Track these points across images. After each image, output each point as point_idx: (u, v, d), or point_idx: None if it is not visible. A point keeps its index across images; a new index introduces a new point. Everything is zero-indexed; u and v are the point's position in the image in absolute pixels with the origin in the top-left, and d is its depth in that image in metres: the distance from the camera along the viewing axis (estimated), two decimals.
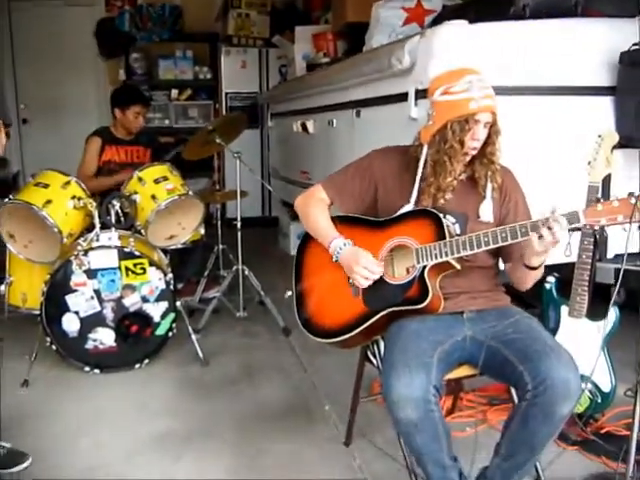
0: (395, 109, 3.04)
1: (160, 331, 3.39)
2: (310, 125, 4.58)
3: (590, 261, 2.48)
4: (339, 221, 2.28)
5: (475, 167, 2.14)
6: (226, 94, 6.88)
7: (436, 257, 2.03)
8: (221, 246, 4.31)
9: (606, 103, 2.80)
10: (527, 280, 2.12)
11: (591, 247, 2.48)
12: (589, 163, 2.37)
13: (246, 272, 3.97)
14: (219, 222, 4.33)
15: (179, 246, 3.72)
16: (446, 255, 2.02)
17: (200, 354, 3.44)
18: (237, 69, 6.86)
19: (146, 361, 3.39)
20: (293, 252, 5.68)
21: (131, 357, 3.37)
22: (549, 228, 1.85)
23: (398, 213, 2.17)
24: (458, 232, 2.13)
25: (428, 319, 2.04)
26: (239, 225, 3.96)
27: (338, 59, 4.70)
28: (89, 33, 7.01)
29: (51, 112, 6.83)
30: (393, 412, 1.84)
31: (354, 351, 2.50)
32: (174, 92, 7.13)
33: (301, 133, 4.82)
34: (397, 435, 2.10)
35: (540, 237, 1.87)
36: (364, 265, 2.09)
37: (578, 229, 2.54)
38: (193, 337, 3.47)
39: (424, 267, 2.05)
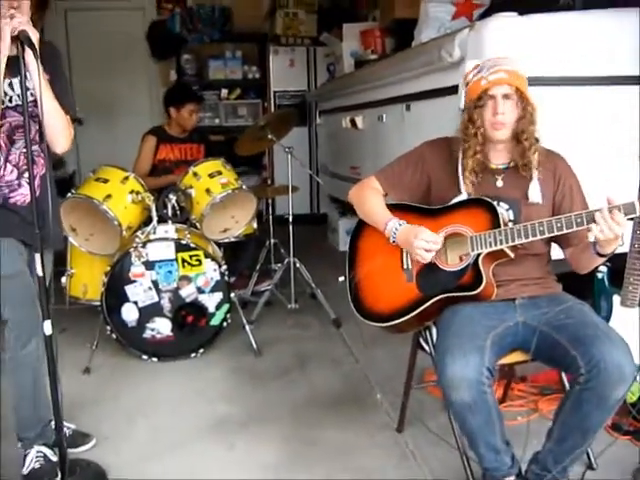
0: (445, 102, 3.07)
1: (215, 321, 3.49)
2: (359, 121, 4.63)
3: None
4: (393, 208, 2.32)
5: (513, 151, 2.17)
6: (274, 93, 6.97)
7: (491, 245, 2.07)
8: (273, 240, 4.39)
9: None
10: (592, 264, 2.14)
11: None
12: None
13: (297, 265, 4.04)
14: (270, 217, 4.40)
15: (232, 239, 3.81)
16: (501, 243, 2.05)
17: (254, 344, 3.53)
18: (285, 68, 6.95)
19: (201, 350, 3.49)
20: (342, 248, 5.80)
21: (187, 346, 3.47)
22: (608, 217, 1.87)
23: (452, 202, 2.22)
24: (512, 218, 2.16)
25: (481, 305, 2.08)
26: (290, 219, 4.03)
27: (386, 55, 4.74)
28: (141, 35, 7.20)
29: (105, 113, 7.01)
30: (447, 393, 1.89)
31: (405, 342, 2.56)
32: (224, 91, 7.26)
33: (350, 129, 4.88)
34: (450, 419, 2.14)
35: (600, 231, 1.88)
36: (423, 237, 2.12)
37: (631, 219, 2.55)
38: (247, 328, 3.56)
39: (478, 255, 2.09)
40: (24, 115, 2.00)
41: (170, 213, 3.51)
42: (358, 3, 6.52)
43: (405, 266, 2.24)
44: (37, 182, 2.20)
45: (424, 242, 2.12)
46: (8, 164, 2.26)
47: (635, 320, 2.52)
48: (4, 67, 2.05)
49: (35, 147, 2.21)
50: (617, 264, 2.65)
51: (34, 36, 1.98)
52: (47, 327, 2.11)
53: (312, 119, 6.80)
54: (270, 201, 4.91)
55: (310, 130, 6.94)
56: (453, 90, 2.96)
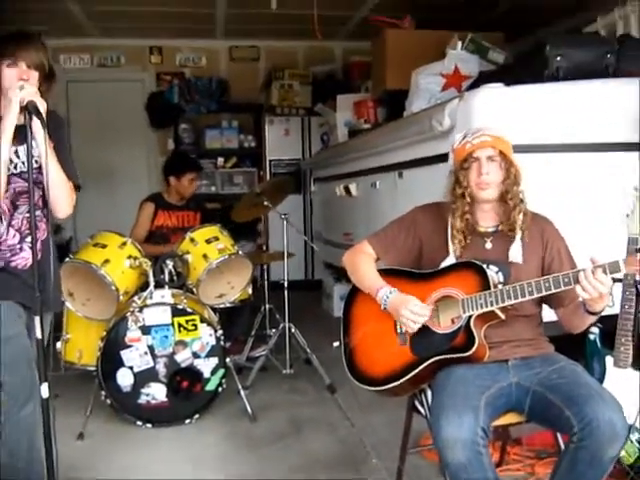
0: (436, 169, 3.17)
1: (210, 386, 3.48)
2: (353, 188, 4.74)
3: (633, 311, 2.52)
4: (385, 274, 2.37)
5: (500, 213, 2.25)
6: (270, 161, 7.13)
7: (481, 307, 2.11)
8: (268, 306, 4.41)
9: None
10: (584, 323, 2.18)
11: (633, 297, 2.53)
12: (627, 215, 2.44)
13: (293, 330, 4.06)
14: (266, 283, 4.45)
15: (227, 305, 3.85)
16: (491, 305, 2.10)
17: (249, 410, 3.52)
18: (280, 137, 7.13)
19: (196, 416, 3.47)
20: (337, 313, 5.81)
21: (182, 412, 3.46)
22: (591, 276, 1.93)
23: (442, 265, 2.27)
24: (502, 280, 2.21)
25: (474, 366, 2.11)
26: (286, 284, 4.07)
27: (379, 125, 4.89)
28: (141, 106, 7.39)
29: (103, 180, 7.10)
30: (443, 454, 1.90)
31: (400, 406, 2.56)
32: (220, 160, 7.40)
33: (344, 196, 4.99)
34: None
35: (584, 290, 1.94)
36: (411, 308, 2.18)
37: (619, 280, 2.61)
38: (242, 393, 3.55)
39: (470, 317, 2.13)
40: (29, 181, 2.07)
41: (167, 278, 3.55)
42: (351, 75, 6.75)
43: (399, 330, 2.27)
44: (39, 246, 2.24)
45: (411, 313, 2.18)
46: (11, 228, 2.31)
47: (628, 380, 2.54)
48: (10, 136, 2.13)
49: (38, 212, 2.27)
50: (608, 325, 2.70)
51: (42, 106, 2.08)
52: (44, 390, 2.13)
53: (307, 187, 6.93)
54: (265, 267, 4.96)
55: (305, 198, 7.06)
56: (444, 157, 3.07)
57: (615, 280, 2.60)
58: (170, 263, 3.57)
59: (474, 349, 2.09)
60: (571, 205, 2.82)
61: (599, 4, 3.98)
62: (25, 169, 2.25)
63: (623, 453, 2.63)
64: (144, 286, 3.61)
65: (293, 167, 7.12)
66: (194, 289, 3.60)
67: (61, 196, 2.26)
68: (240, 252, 3.67)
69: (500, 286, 2.15)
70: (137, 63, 7.48)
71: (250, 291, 3.98)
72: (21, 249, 2.34)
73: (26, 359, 2.29)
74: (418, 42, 4.69)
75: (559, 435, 2.23)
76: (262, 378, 4.07)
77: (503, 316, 2.15)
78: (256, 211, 4.22)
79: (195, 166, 4.65)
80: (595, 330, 2.70)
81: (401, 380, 2.20)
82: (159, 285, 3.52)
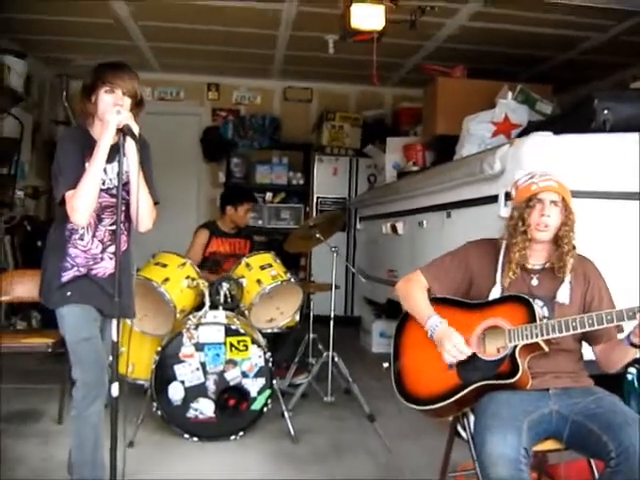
0: (485, 210, 3.33)
1: (256, 406, 3.64)
2: (400, 226, 4.91)
3: None
4: (437, 302, 2.53)
5: (552, 254, 2.40)
6: (317, 198, 7.36)
7: (527, 337, 2.25)
8: (312, 335, 4.56)
9: None
10: (623, 359, 2.29)
11: None
12: None
13: (336, 359, 4.20)
14: (312, 312, 4.60)
15: (275, 330, 4.02)
16: (536, 336, 2.24)
17: (292, 431, 3.65)
18: (328, 176, 7.36)
19: (241, 433, 3.62)
20: (374, 349, 5.92)
21: (227, 429, 3.61)
22: (634, 316, 2.06)
23: (490, 296, 2.42)
24: (546, 315, 2.35)
25: (517, 393, 2.23)
26: (332, 314, 4.23)
27: (427, 168, 5.08)
28: (196, 139, 7.73)
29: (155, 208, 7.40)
30: (485, 470, 2.02)
31: (437, 436, 2.67)
32: (268, 195, 7.65)
33: (390, 234, 5.15)
34: None
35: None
36: (454, 344, 2.33)
37: None
38: (286, 414, 3.69)
39: (515, 346, 2.27)
40: (117, 197, 2.31)
41: (222, 300, 3.73)
42: (400, 120, 6.98)
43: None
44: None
45: (453, 348, 2.33)
46: (95, 239, 2.54)
47: None
48: (105, 155, 2.37)
49: (121, 226, 2.49)
50: None
51: (135, 129, 2.31)
52: (115, 389, 2.32)
53: (352, 225, 7.11)
54: (307, 299, 5.11)
55: (349, 235, 7.23)
56: (493, 199, 3.24)
57: None
58: (226, 285, 3.76)
59: (518, 376, 2.22)
60: (611, 249, 2.94)
61: None
62: (111, 185, 2.49)
63: None
64: (199, 307, 3.80)
65: (339, 205, 7.32)
66: (246, 312, 3.78)
67: (146, 211, 2.49)
68: (292, 279, 3.85)
69: (545, 320, 2.29)
70: (195, 98, 7.83)
71: (297, 318, 4.15)
72: (102, 259, 2.56)
73: (99, 360, 2.50)
74: (468, 90, 4.91)
75: (593, 464, 2.33)
76: (303, 404, 4.21)
77: (547, 348, 2.28)
78: (307, 243, 4.41)
79: (252, 198, 4.95)
80: (633, 370, 2.81)
81: (447, 401, 2.32)
82: (214, 306, 3.71)
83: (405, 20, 5.04)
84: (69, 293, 2.50)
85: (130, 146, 2.34)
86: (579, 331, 2.18)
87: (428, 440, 3.51)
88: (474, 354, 2.35)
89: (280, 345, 4.50)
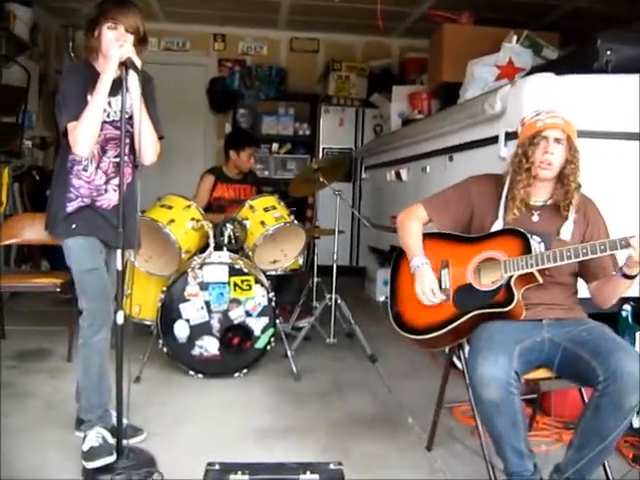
0: (486, 151, 3.35)
1: (259, 344, 3.72)
2: (404, 173, 4.94)
3: None
4: (434, 236, 2.58)
5: (556, 191, 2.42)
6: (323, 149, 7.36)
7: (522, 268, 2.29)
8: (316, 279, 4.62)
9: None
10: (615, 294, 2.34)
11: None
12: None
13: (339, 301, 4.27)
14: (316, 257, 4.66)
15: (279, 272, 4.09)
16: (531, 267, 2.28)
17: (294, 369, 3.74)
18: (335, 126, 7.36)
19: (245, 371, 3.71)
20: (379, 297, 5.99)
21: (232, 366, 3.71)
22: (627, 245, 2.10)
23: (489, 231, 2.46)
24: (543, 250, 2.38)
25: (511, 322, 2.29)
26: (335, 256, 4.29)
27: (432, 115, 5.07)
28: (202, 89, 7.72)
29: (161, 159, 7.42)
30: (476, 391, 2.09)
31: (435, 377, 2.73)
32: (275, 146, 7.67)
33: (394, 181, 5.18)
34: (476, 426, 2.31)
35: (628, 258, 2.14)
36: (425, 287, 2.43)
37: None
38: (289, 353, 3.78)
39: (510, 277, 2.31)
40: (121, 130, 2.35)
41: (226, 241, 3.79)
42: (406, 70, 6.94)
43: (443, 286, 2.47)
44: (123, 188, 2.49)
45: (421, 292, 2.43)
46: (99, 170, 2.59)
47: None
48: (108, 88, 2.40)
49: (125, 159, 2.52)
50: None
51: (138, 63, 2.34)
52: (120, 317, 2.39)
53: (357, 175, 7.13)
54: (312, 245, 5.17)
55: (354, 185, 7.25)
56: (494, 140, 3.25)
57: None
58: (230, 227, 3.81)
59: (513, 305, 2.27)
60: (612, 189, 2.96)
61: None
62: (116, 118, 2.53)
63: None
64: (204, 249, 3.87)
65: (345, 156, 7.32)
66: (250, 253, 3.84)
67: (149, 144, 2.53)
68: (295, 221, 3.90)
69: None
70: (201, 49, 7.79)
71: (301, 261, 4.21)
72: (106, 190, 2.62)
73: (104, 290, 2.57)
74: (475, 37, 4.85)
75: (585, 394, 2.40)
76: (306, 346, 4.30)
77: (541, 280, 2.32)
78: (311, 187, 4.45)
79: (254, 142, 4.95)
80: (627, 307, 2.86)
81: (443, 330, 2.39)
82: (218, 247, 3.77)
83: None
84: (74, 225, 2.55)
85: (133, 79, 2.37)
86: (573, 260, 2.21)
87: (428, 380, 3.59)
88: (470, 285, 2.40)
89: (284, 288, 4.56)
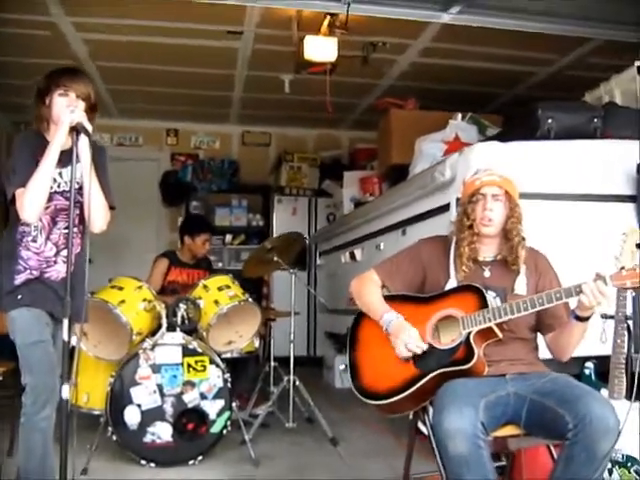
0: (438, 220, 3.39)
1: (215, 429, 3.55)
2: (358, 253, 4.96)
3: (625, 345, 2.67)
4: (390, 299, 2.54)
5: (502, 247, 2.45)
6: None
7: (480, 323, 2.27)
8: (273, 363, 4.49)
9: (629, 209, 3.12)
10: (571, 342, 2.31)
11: (625, 332, 2.69)
12: (616, 257, 2.63)
13: (297, 383, 4.14)
14: (272, 340, 4.56)
15: (235, 355, 3.97)
16: (489, 321, 2.26)
17: (252, 454, 3.56)
18: (288, 216, 7.41)
19: (200, 458, 3.52)
20: (338, 385, 5.84)
21: (186, 453, 3.51)
22: (581, 292, 2.11)
23: (444, 289, 2.45)
24: (499, 305, 2.37)
25: (474, 379, 2.24)
26: (292, 336, 4.20)
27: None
28: (155, 183, 7.73)
29: (113, 253, 7.28)
30: (443, 446, 2.01)
31: (400, 454, 2.62)
32: (228, 237, 7.65)
33: (349, 262, 5.19)
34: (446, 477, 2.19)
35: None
36: (409, 338, 2.35)
37: (612, 317, 2.77)
38: (246, 437, 3.62)
39: (469, 333, 2.28)
40: (70, 193, 2.30)
41: (179, 321, 3.68)
42: (356, 159, 7.11)
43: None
44: (72, 260, 2.41)
45: (408, 342, 2.34)
46: (49, 242, 2.51)
47: (623, 412, 2.64)
48: (58, 153, 2.37)
49: (74, 230, 2.46)
50: (601, 364, 2.85)
51: (89, 128, 2.33)
52: (65, 391, 2.25)
53: (312, 263, 7.13)
54: (269, 329, 5.08)
55: (309, 274, 7.24)
56: (445, 208, 3.30)
57: (607, 317, 2.79)
58: (183, 307, 3.72)
59: (474, 361, 2.23)
60: (567, 246, 3.02)
61: (588, 83, 4.36)
62: (67, 188, 2.48)
63: None
64: (156, 331, 3.75)
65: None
66: (204, 334, 3.73)
67: (99, 212, 2.48)
68: (250, 299, 3.83)
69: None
70: (154, 143, 7.87)
71: (257, 344, 4.12)
72: (55, 262, 2.53)
73: (49, 364, 2.44)
74: (421, 121, 5.01)
75: (554, 453, 2.32)
76: (265, 432, 4.12)
77: (500, 335, 2.30)
78: (266, 268, 4.41)
79: (209, 228, 4.95)
80: (590, 365, 2.85)
81: (405, 393, 2.32)
82: (171, 328, 3.66)
83: (357, 56, 5.23)
84: (20, 296, 2.45)
85: (83, 145, 2.34)
86: (530, 311, 2.21)
87: (392, 459, 3.47)
88: (430, 345, 2.36)
89: (240, 374, 4.43)
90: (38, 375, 2.42)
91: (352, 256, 5.08)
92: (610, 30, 4.10)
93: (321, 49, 4.54)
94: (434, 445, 2.16)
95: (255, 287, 5.85)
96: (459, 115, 4.34)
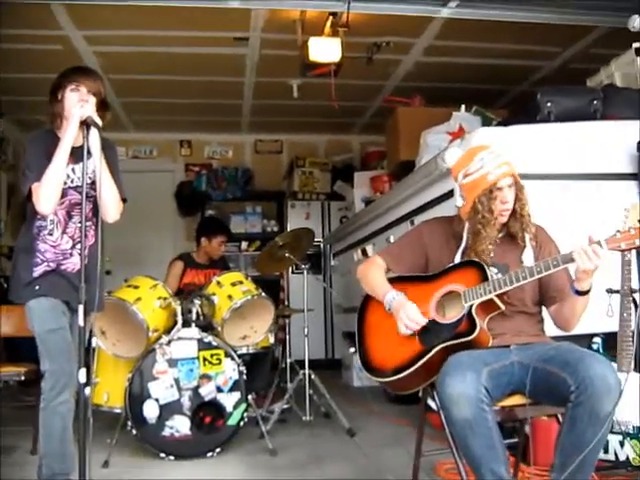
0: (443, 207, 3.44)
1: (232, 421, 3.61)
2: (369, 249, 5.00)
3: (632, 317, 2.70)
4: (396, 280, 2.60)
5: (510, 223, 2.48)
6: None
7: (481, 295, 2.31)
8: (289, 360, 4.55)
9: (630, 186, 3.16)
10: (574, 313, 2.34)
11: (631, 305, 2.72)
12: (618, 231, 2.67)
13: (312, 376, 4.19)
14: (288, 335, 4.62)
15: (250, 350, 4.02)
16: (489, 292, 2.30)
17: (269, 445, 3.61)
18: (301, 220, 7.46)
19: (218, 450, 3.58)
20: (356, 383, 5.86)
21: (204, 446, 3.57)
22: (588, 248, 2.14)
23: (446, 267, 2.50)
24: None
25: (479, 350, 2.28)
26: (306, 330, 4.25)
27: None
28: (170, 194, 7.86)
29: (131, 264, 7.36)
30: (447, 411, 2.05)
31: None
32: (244, 244, 7.75)
33: (361, 259, 5.23)
34: (453, 444, 2.22)
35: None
36: (408, 314, 2.39)
37: (617, 291, 2.80)
38: (263, 428, 3.67)
39: (471, 306, 2.33)
40: (82, 182, 2.39)
41: (194, 317, 3.75)
42: (368, 159, 7.18)
43: None
44: (86, 252, 2.48)
45: (406, 318, 2.39)
46: (65, 235, 2.61)
47: (633, 384, 2.66)
48: (70, 146, 2.47)
49: (88, 222, 2.55)
50: (609, 340, 2.88)
51: (99, 122, 2.42)
52: (82, 375, 2.32)
53: (327, 266, 7.20)
54: (287, 324, 5.15)
55: (325, 277, 7.30)
56: (450, 195, 3.35)
57: (613, 291, 2.82)
58: (197, 303, 3.79)
59: (476, 333, 2.26)
60: (569, 224, 3.04)
61: (592, 76, 4.39)
62: (80, 183, 2.57)
63: (633, 455, 2.74)
64: (172, 328, 3.82)
65: (313, 249, 7.39)
66: (219, 329, 3.80)
67: (111, 203, 2.58)
68: (263, 294, 3.89)
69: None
70: (168, 155, 8.02)
71: (272, 340, 4.17)
72: (72, 254, 2.63)
73: (67, 351, 2.52)
74: (428, 117, 5.04)
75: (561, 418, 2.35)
76: (282, 427, 4.19)
77: (502, 307, 2.34)
78: (278, 265, 4.47)
79: (226, 230, 5.04)
80: (598, 340, 2.88)
81: (412, 368, 2.35)
82: (186, 324, 3.73)
83: (362, 57, 5.31)
84: (37, 287, 2.55)
85: (94, 138, 2.43)
86: (529, 279, 2.24)
87: (410, 446, 3.48)
88: (434, 320, 2.40)
89: (256, 372, 4.47)
90: (56, 361, 2.50)
91: (364, 252, 5.13)
92: (611, 17, 4.13)
93: (325, 50, 4.62)
94: (441, 414, 2.21)
95: (271, 290, 5.90)
96: (463, 107, 4.39)
